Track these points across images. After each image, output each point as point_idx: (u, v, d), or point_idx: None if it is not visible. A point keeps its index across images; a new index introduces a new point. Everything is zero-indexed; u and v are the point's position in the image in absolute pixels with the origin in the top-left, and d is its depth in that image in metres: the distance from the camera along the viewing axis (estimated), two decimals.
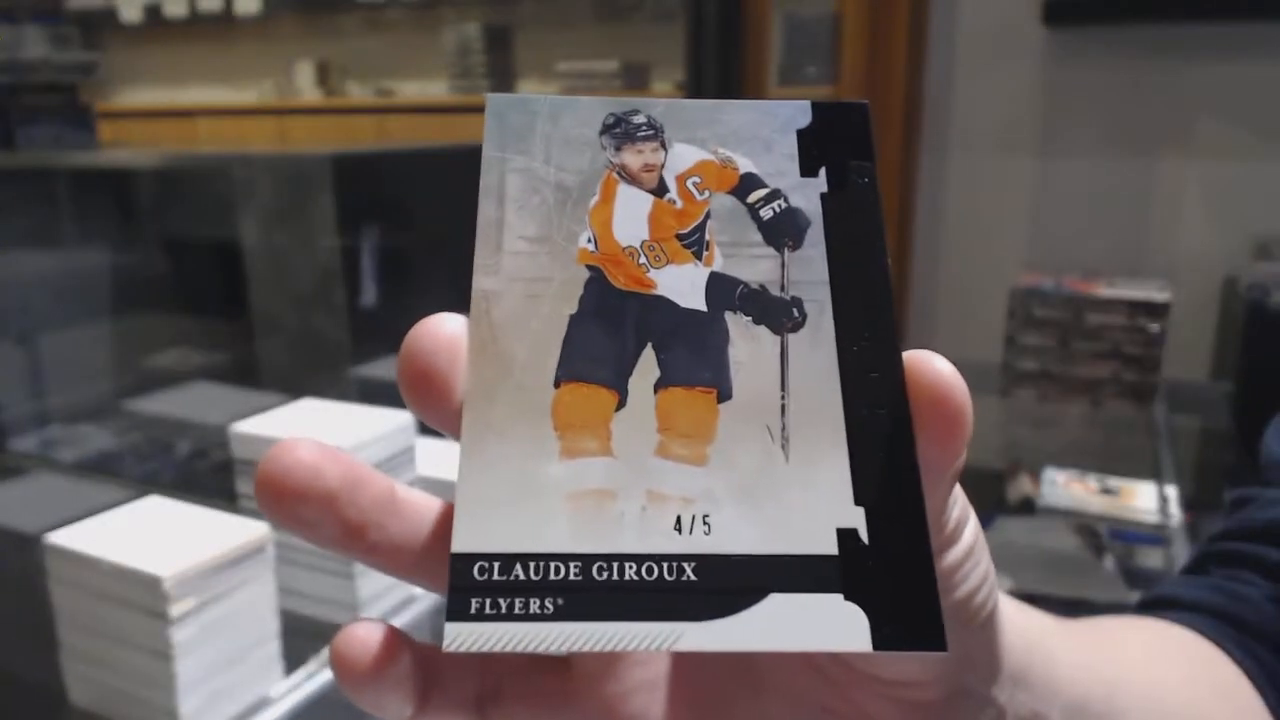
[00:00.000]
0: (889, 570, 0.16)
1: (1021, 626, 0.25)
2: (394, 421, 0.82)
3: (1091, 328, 1.41)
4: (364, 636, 0.17)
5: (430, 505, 0.18)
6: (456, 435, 0.17)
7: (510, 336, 0.18)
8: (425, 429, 0.87)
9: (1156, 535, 1.07)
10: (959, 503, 0.20)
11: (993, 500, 1.19)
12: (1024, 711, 0.25)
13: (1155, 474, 1.20)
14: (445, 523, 0.18)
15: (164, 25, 4.13)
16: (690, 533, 0.17)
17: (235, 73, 4.20)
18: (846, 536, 0.17)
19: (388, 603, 0.83)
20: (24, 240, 1.34)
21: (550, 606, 0.16)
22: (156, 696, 0.66)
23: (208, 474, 1.11)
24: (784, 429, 0.18)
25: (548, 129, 0.20)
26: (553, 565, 0.16)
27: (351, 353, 1.05)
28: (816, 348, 0.18)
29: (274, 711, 0.70)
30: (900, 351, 0.18)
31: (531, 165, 0.20)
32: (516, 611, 0.16)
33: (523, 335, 0.18)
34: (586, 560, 0.16)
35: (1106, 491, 1.15)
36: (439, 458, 0.89)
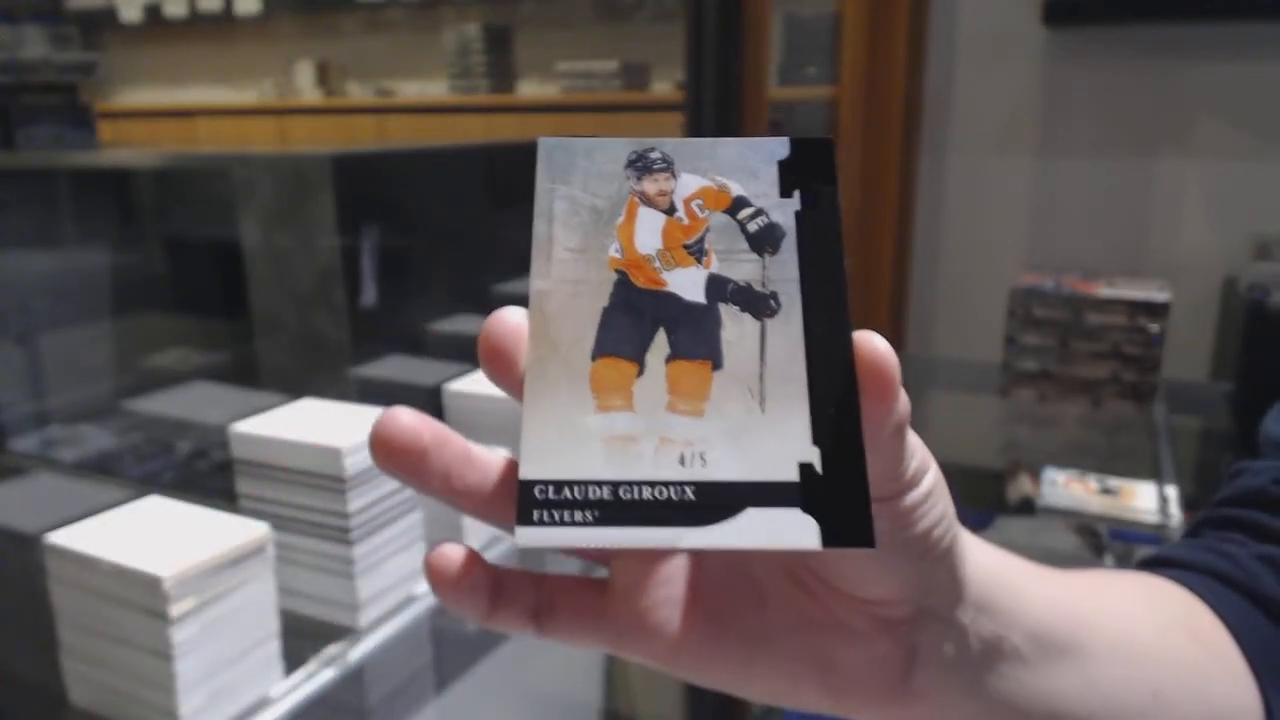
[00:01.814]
0: (835, 492, 0.22)
1: (988, 564, 0.30)
2: None
3: (1091, 328, 1.41)
4: (451, 554, 0.23)
5: (496, 460, 0.24)
6: (519, 396, 0.23)
7: (558, 324, 0.24)
8: None
9: (1156, 535, 1.07)
10: (918, 455, 0.25)
11: (993, 500, 1.19)
12: (985, 633, 0.29)
13: (1155, 474, 1.20)
14: (506, 473, 0.24)
15: (164, 25, 4.13)
16: (691, 465, 0.22)
17: (235, 73, 4.20)
18: (805, 468, 0.22)
19: (388, 602, 0.83)
20: (24, 240, 1.34)
21: (590, 516, 0.21)
22: (156, 696, 0.66)
23: (208, 474, 1.11)
24: (761, 390, 0.23)
25: (585, 164, 0.25)
26: (590, 488, 0.22)
27: (351, 353, 1.05)
28: (788, 330, 0.24)
29: (274, 711, 0.71)
30: (851, 333, 0.23)
31: (573, 193, 0.25)
32: (565, 520, 0.21)
33: (568, 323, 0.24)
34: (615, 485, 0.22)
35: (1106, 491, 1.15)
36: None
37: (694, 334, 0.24)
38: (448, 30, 3.45)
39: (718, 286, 0.24)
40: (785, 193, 0.25)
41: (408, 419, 0.23)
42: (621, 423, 0.23)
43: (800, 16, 2.49)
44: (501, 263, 1.29)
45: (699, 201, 0.25)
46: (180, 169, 1.32)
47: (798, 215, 0.25)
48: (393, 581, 0.83)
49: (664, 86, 3.21)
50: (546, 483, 0.22)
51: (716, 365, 0.23)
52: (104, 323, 1.37)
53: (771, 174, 0.25)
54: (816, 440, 0.22)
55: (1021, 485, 1.20)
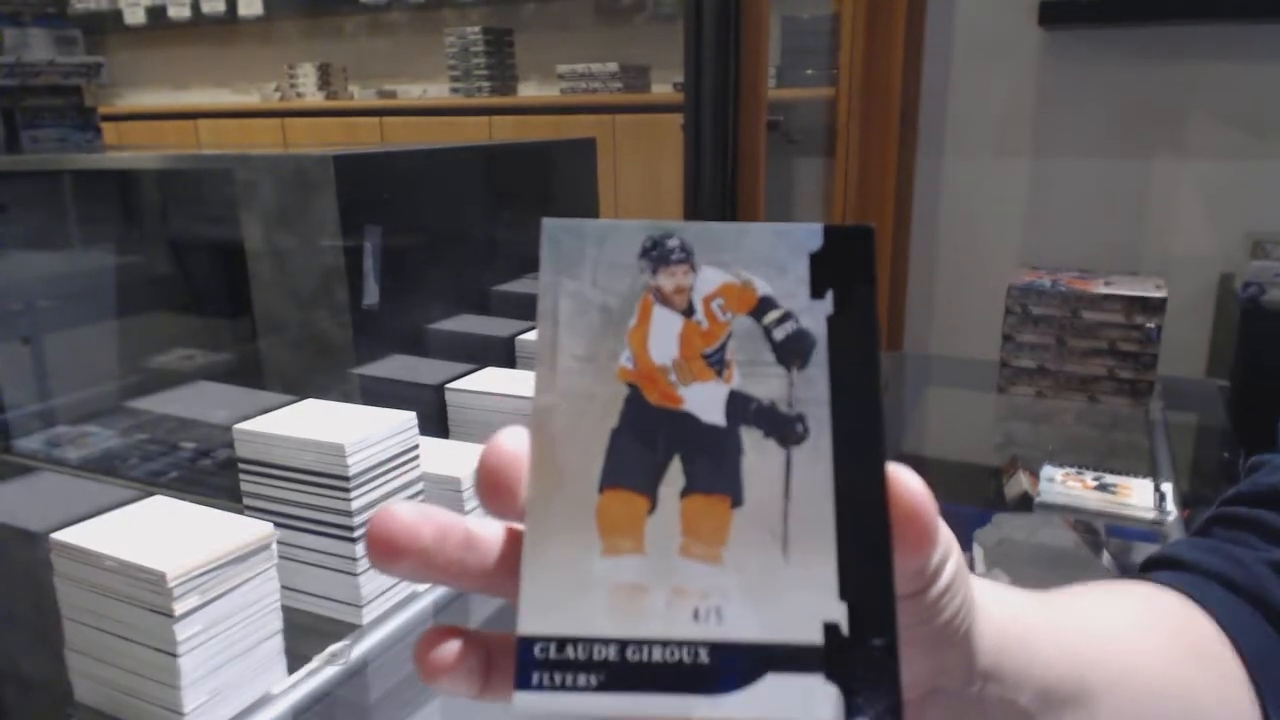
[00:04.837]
0: (862, 659, 0.20)
1: (998, 623, 0.28)
2: (396, 421, 0.83)
3: (1088, 325, 1.42)
4: (447, 648, 0.21)
5: (495, 537, 0.22)
6: (521, 522, 0.21)
7: (563, 449, 0.21)
8: (426, 429, 0.88)
9: (1153, 531, 1.08)
10: (940, 548, 0.23)
11: (991, 497, 1.20)
12: (993, 699, 0.28)
13: (1152, 470, 1.20)
14: (507, 549, 0.22)
15: (167, 28, 4.14)
16: (705, 621, 0.20)
17: (238, 75, 4.21)
18: (831, 629, 0.20)
19: (389, 601, 0.84)
20: (29, 241, 1.35)
21: (594, 681, 0.20)
22: (160, 693, 0.67)
23: (212, 473, 1.12)
24: (785, 531, 0.21)
25: (595, 253, 0.23)
26: (595, 647, 0.20)
27: (354, 352, 1.06)
28: (815, 462, 0.21)
29: (277, 708, 0.71)
30: (884, 469, 0.21)
31: (581, 289, 0.23)
32: (567, 685, 0.20)
33: (573, 448, 0.21)
34: (622, 644, 0.20)
35: (1104, 488, 1.16)
36: (441, 456, 0.90)
37: (712, 464, 0.21)
38: (449, 32, 3.46)
39: (739, 406, 0.22)
40: (817, 292, 0.23)
41: (406, 518, 0.21)
42: (630, 568, 0.21)
43: (798, 18, 2.50)
44: (503, 263, 1.30)
45: (720, 301, 0.23)
46: (183, 169, 1.33)
47: (829, 320, 0.22)
48: (392, 581, 0.84)
49: (663, 88, 3.21)
50: (548, 640, 0.20)
51: (736, 501, 0.21)
52: (108, 323, 1.37)
53: (801, 269, 0.23)
54: (844, 593, 0.20)
55: (1019, 482, 1.21)
